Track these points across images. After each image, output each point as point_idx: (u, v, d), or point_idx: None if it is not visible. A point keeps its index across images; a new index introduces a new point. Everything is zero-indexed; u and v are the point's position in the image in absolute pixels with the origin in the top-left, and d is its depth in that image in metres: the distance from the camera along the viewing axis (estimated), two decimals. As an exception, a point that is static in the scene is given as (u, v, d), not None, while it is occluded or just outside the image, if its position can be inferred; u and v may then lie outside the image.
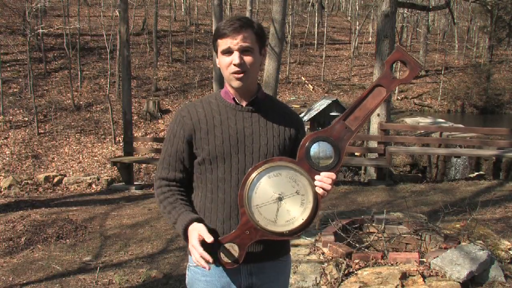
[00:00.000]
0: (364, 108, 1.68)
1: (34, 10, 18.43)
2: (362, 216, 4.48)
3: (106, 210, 7.31)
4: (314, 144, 1.65)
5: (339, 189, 7.98)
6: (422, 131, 12.89)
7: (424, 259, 3.49)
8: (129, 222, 6.49)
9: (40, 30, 18.77)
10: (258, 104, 1.75)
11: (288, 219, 1.63)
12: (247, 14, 14.70)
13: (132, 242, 5.53)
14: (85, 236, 5.89)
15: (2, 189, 10.10)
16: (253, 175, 1.62)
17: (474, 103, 24.19)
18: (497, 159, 9.40)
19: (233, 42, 1.64)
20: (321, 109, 13.50)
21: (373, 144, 9.81)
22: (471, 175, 9.49)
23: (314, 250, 3.83)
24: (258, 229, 1.62)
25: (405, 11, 25.39)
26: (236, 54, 1.64)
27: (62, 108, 16.82)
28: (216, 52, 1.72)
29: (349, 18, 35.66)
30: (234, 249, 1.63)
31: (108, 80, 18.62)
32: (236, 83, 1.68)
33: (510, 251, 3.78)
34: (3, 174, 12.21)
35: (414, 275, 3.26)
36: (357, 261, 3.50)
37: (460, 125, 13.34)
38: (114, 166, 11.00)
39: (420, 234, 3.90)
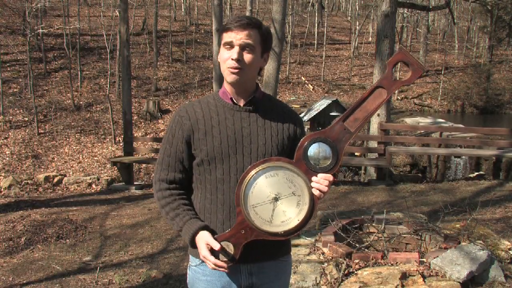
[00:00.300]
0: (364, 109, 1.67)
1: (34, 10, 18.43)
2: (362, 216, 4.48)
3: (106, 210, 7.31)
4: (312, 145, 1.64)
5: (339, 189, 7.98)
6: (422, 131, 12.89)
7: (424, 259, 3.49)
8: (129, 222, 6.50)
9: (40, 30, 18.77)
10: (256, 103, 1.74)
11: (283, 220, 1.63)
12: (247, 14, 14.70)
13: (132, 242, 5.53)
14: (85, 236, 5.89)
15: (2, 189, 10.11)
16: (250, 174, 1.62)
17: (474, 103, 24.19)
18: (497, 159, 9.40)
19: (236, 37, 1.64)
20: (321, 109, 13.50)
21: (373, 144, 9.81)
22: (471, 175, 9.49)
23: (314, 250, 3.83)
24: (254, 228, 1.62)
25: (405, 11, 25.37)
26: (235, 49, 1.64)
27: (62, 108, 16.82)
28: (220, 47, 1.72)
29: (349, 18, 35.65)
30: (229, 248, 1.63)
31: (108, 80, 18.62)
32: (231, 77, 1.67)
33: (510, 251, 3.78)
34: (3, 174, 12.21)
35: (414, 275, 3.26)
36: (357, 261, 3.51)
37: (460, 125, 13.34)
38: (114, 166, 11.00)
39: (420, 234, 3.90)
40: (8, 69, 18.59)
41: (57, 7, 25.18)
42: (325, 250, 3.78)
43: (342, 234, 4.01)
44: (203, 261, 1.67)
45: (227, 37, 1.66)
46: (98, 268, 4.55)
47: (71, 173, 12.96)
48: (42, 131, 15.28)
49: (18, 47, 20.49)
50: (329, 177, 1.63)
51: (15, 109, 16.20)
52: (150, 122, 16.93)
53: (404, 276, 3.24)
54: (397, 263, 3.45)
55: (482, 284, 3.34)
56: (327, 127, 1.67)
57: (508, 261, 3.69)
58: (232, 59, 1.64)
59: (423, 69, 1.68)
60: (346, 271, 3.37)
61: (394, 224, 4.20)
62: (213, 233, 1.66)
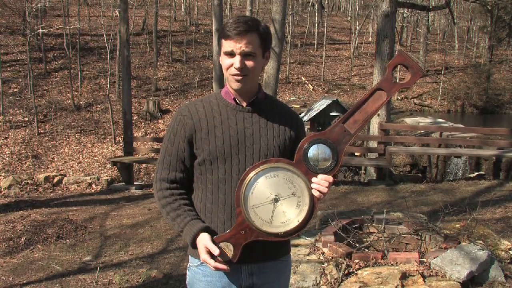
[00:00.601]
0: (364, 111, 1.68)
1: (34, 10, 18.42)
2: (362, 216, 4.48)
3: (106, 210, 7.31)
4: (312, 147, 1.65)
5: (339, 189, 7.98)
6: (422, 131, 12.88)
7: (424, 259, 3.49)
8: (129, 222, 6.50)
9: (40, 30, 18.76)
10: (258, 104, 1.75)
11: (283, 221, 1.63)
12: (247, 14, 14.69)
13: (132, 242, 5.54)
14: (85, 236, 5.89)
15: (2, 189, 10.11)
16: (251, 175, 1.62)
17: (474, 103, 24.19)
18: (497, 159, 9.41)
19: (236, 46, 1.64)
20: (321, 109, 13.49)
21: (373, 144, 9.82)
22: (471, 175, 9.49)
23: (314, 250, 3.83)
24: (253, 229, 1.62)
25: (405, 11, 25.38)
26: (237, 58, 1.65)
27: (62, 108, 16.82)
28: (220, 49, 1.73)
29: (349, 18, 35.64)
30: (229, 249, 1.63)
31: (108, 80, 18.62)
32: (236, 85, 1.69)
33: (510, 251, 3.79)
34: (3, 174, 12.22)
35: (414, 275, 3.26)
36: (357, 261, 3.51)
37: (460, 125, 13.34)
38: (114, 166, 11.00)
39: (420, 234, 3.90)
40: (8, 69, 18.59)
41: (57, 7, 25.18)
42: (325, 250, 3.78)
43: (342, 234, 4.01)
44: (203, 262, 1.67)
45: (227, 46, 1.66)
46: (98, 268, 4.55)
47: (71, 173, 12.96)
48: (42, 131, 15.29)
49: (18, 47, 20.49)
50: (329, 178, 1.63)
51: (15, 109, 16.20)
52: (150, 122, 16.94)
53: (404, 276, 3.24)
54: (397, 263, 3.45)
55: (482, 284, 3.34)
56: (327, 129, 1.68)
57: (508, 261, 3.69)
58: (235, 68, 1.65)
59: (423, 72, 1.69)
60: (346, 271, 3.37)
61: (394, 224, 4.20)
62: (214, 234, 1.66)
